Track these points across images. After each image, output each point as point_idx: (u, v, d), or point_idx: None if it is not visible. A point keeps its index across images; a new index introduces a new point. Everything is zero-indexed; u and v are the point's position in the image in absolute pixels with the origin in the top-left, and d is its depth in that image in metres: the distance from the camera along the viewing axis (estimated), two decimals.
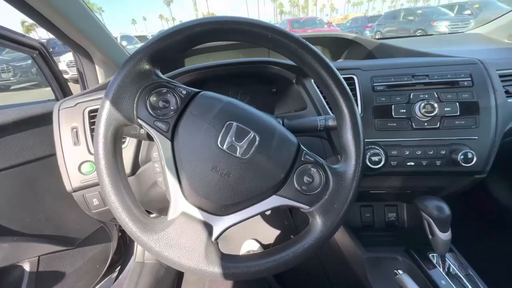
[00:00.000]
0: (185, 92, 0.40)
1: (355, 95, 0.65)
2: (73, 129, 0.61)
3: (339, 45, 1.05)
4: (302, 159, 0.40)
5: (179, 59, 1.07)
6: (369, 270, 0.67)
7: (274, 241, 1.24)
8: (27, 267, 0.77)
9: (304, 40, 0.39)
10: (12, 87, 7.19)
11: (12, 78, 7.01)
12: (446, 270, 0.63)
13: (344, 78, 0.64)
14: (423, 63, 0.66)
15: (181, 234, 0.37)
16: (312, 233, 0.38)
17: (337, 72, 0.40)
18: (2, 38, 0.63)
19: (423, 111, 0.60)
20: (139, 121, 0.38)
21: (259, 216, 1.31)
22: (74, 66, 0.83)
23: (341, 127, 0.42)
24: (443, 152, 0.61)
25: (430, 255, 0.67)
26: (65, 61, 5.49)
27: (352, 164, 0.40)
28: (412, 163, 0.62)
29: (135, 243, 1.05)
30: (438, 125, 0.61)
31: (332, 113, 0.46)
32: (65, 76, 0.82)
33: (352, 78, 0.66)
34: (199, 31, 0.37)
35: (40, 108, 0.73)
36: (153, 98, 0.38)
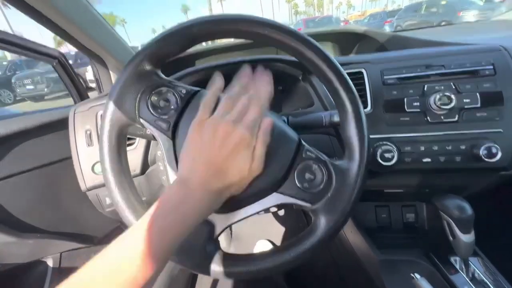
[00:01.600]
0: (184, 91, 0.40)
1: (363, 89, 0.62)
2: (86, 131, 0.65)
3: (349, 40, 1.01)
4: (303, 155, 0.38)
5: (190, 61, 1.09)
6: (384, 273, 0.64)
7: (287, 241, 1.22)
8: (50, 262, 0.82)
9: (303, 34, 0.37)
10: (46, 97, 7.82)
11: (45, 89, 7.62)
12: (470, 275, 0.58)
13: (352, 72, 0.64)
14: (438, 53, 0.62)
15: None
16: (315, 232, 0.37)
17: (337, 64, 0.38)
18: (25, 49, 0.69)
19: (438, 103, 0.56)
20: (141, 120, 0.39)
21: (271, 216, 1.30)
22: None
23: (343, 121, 0.40)
24: (463, 147, 0.56)
25: (452, 258, 0.62)
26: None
27: (356, 160, 0.38)
28: (429, 160, 0.58)
29: None
30: (456, 118, 0.57)
31: None
32: (92, 85, 0.87)
33: (360, 72, 0.63)
34: (196, 30, 0.37)
35: (60, 113, 0.78)
36: (154, 98, 0.39)
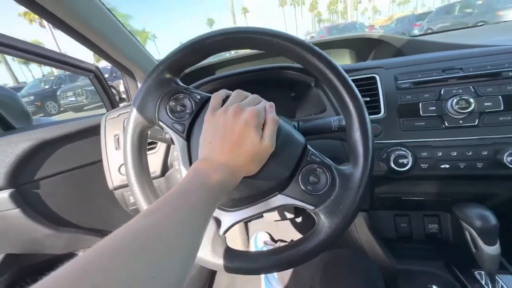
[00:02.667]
0: (199, 97, 0.44)
1: (376, 94, 0.62)
2: (115, 136, 0.72)
3: (366, 46, 1.01)
4: (308, 159, 0.40)
5: (211, 71, 1.16)
6: (401, 283, 0.61)
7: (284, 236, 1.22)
8: None
9: (308, 43, 0.40)
10: (85, 108, 8.57)
11: (84, 100, 8.37)
12: None
13: (364, 77, 0.64)
14: (456, 56, 0.60)
15: None
16: (317, 234, 0.38)
17: (341, 70, 0.40)
18: (65, 64, 0.79)
19: (456, 107, 0.54)
20: (160, 123, 0.43)
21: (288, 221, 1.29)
22: None
23: (349, 126, 0.41)
24: (485, 152, 0.53)
25: (476, 272, 0.58)
26: None
27: (359, 166, 0.38)
28: (447, 166, 0.56)
29: None
30: (476, 122, 0.54)
31: None
32: (124, 95, 0.97)
33: (373, 78, 0.63)
34: (210, 42, 0.41)
35: (94, 120, 0.87)
36: (172, 103, 0.43)
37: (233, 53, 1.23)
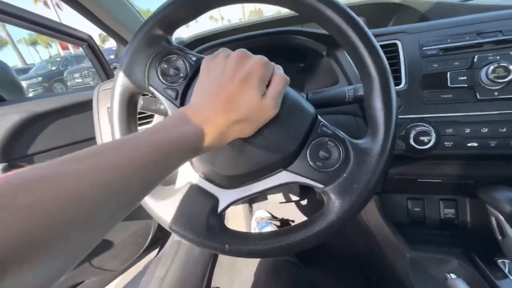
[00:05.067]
0: (194, 59, 0.38)
1: (397, 63, 0.55)
2: (109, 109, 0.67)
3: (384, 13, 0.89)
4: (318, 131, 0.34)
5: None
6: (413, 270, 0.57)
7: (286, 215, 1.19)
8: None
9: None
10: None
11: (91, 82, 8.36)
12: None
13: (384, 45, 0.56)
14: (494, 17, 0.52)
15: (185, 204, 0.36)
16: (326, 216, 0.33)
17: (361, 24, 0.33)
18: (57, 32, 0.73)
19: (492, 76, 0.47)
20: (151, 88, 0.38)
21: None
22: None
23: (368, 93, 0.35)
24: None
25: (499, 261, 0.53)
26: None
27: (379, 139, 0.33)
28: (475, 144, 0.49)
29: None
30: None
31: None
32: None
33: (394, 44, 0.56)
34: None
35: (91, 94, 0.82)
36: (163, 65, 0.38)
37: (236, 22, 1.14)
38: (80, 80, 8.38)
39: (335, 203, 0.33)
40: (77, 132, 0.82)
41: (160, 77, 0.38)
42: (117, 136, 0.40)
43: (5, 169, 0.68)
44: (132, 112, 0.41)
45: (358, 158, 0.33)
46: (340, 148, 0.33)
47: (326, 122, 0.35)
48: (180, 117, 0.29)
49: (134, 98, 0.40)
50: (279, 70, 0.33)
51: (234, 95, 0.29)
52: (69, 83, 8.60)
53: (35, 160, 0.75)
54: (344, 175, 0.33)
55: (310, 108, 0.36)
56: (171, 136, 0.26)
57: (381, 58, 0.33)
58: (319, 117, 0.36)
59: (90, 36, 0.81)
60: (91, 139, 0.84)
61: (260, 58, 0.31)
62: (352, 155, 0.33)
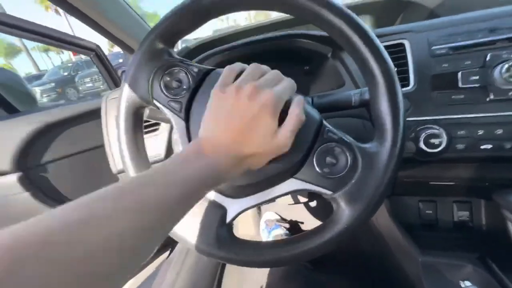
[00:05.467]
0: (196, 70, 0.38)
1: (405, 64, 0.53)
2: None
3: (392, 10, 0.87)
4: (325, 136, 0.34)
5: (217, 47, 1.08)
6: (426, 276, 0.55)
7: (295, 216, 1.19)
8: None
9: None
10: (102, 94, 8.80)
11: (101, 86, 8.55)
12: None
13: (390, 45, 0.54)
14: (508, 12, 0.49)
15: (194, 215, 0.36)
16: (335, 224, 0.33)
17: (365, 27, 0.32)
18: (65, 42, 0.75)
19: (506, 75, 0.45)
20: (155, 102, 0.38)
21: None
22: None
23: (374, 96, 0.34)
24: None
25: None
26: None
27: (387, 143, 0.32)
28: (489, 146, 0.48)
29: None
30: None
31: None
32: None
33: (401, 44, 0.54)
34: (208, 2, 0.35)
35: (98, 102, 0.84)
36: (166, 78, 0.38)
37: (237, 27, 1.13)
38: (90, 85, 8.58)
39: (344, 211, 0.32)
40: (87, 140, 0.84)
41: (164, 90, 0.38)
42: (124, 147, 0.40)
43: (21, 178, 0.71)
44: (138, 124, 0.42)
45: (366, 163, 0.32)
46: (347, 153, 0.33)
47: (331, 127, 0.34)
48: (199, 149, 0.29)
49: (139, 111, 0.40)
50: (297, 105, 0.32)
51: (248, 128, 0.29)
52: (80, 88, 8.82)
53: (48, 168, 0.77)
54: (353, 181, 0.32)
55: (316, 114, 0.35)
56: (200, 169, 0.27)
57: (386, 60, 0.32)
58: (324, 122, 0.35)
59: (97, 46, 0.83)
60: (100, 147, 0.86)
61: (272, 92, 0.29)
62: (360, 160, 0.32)
